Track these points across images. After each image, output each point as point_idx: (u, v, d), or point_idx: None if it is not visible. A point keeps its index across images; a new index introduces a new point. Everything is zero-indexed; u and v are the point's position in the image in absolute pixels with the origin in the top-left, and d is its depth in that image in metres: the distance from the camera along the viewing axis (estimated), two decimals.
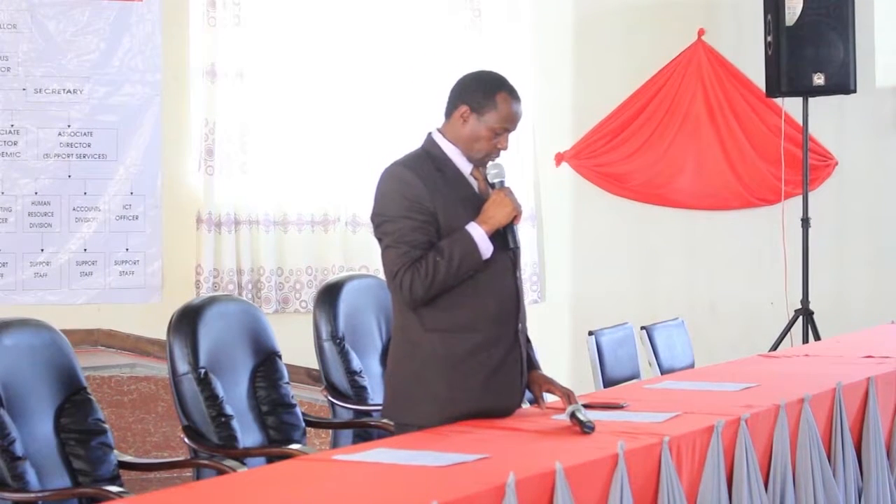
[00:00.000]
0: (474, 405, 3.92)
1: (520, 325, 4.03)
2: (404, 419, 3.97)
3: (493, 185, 4.00)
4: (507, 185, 4.00)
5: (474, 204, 3.96)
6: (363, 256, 8.10)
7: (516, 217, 3.97)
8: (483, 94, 3.98)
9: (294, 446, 4.57)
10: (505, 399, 3.98)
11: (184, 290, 7.70)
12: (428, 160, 3.98)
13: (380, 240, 3.97)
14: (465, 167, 4.02)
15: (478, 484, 3.02)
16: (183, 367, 4.54)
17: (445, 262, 3.85)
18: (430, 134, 4.05)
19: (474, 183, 4.02)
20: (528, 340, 4.15)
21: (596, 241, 8.60)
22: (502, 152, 4.02)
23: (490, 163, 4.01)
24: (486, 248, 3.91)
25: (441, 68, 8.03)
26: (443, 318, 3.93)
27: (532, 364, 4.14)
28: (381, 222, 3.95)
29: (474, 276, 3.91)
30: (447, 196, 3.92)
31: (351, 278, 5.42)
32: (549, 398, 4.06)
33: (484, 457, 3.34)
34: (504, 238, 3.96)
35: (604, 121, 8.55)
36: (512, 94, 4.00)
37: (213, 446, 4.49)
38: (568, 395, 3.87)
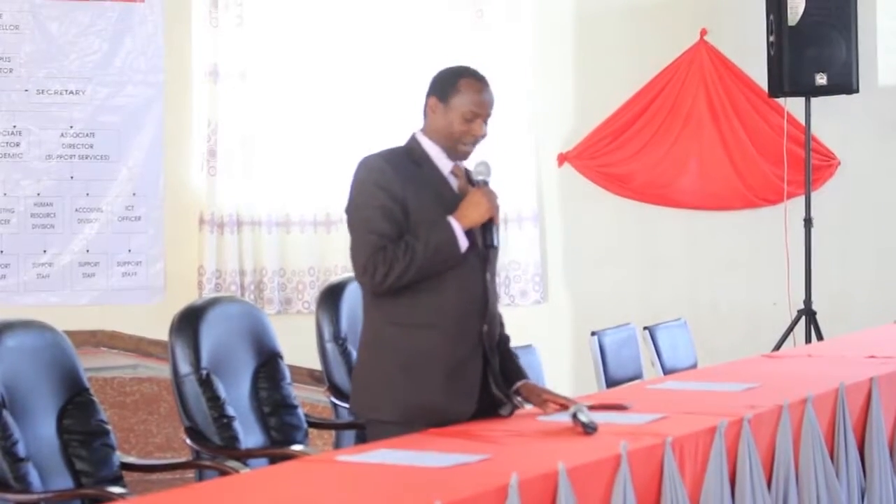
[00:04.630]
0: (432, 404, 3.86)
1: (485, 326, 3.97)
2: (368, 414, 3.97)
3: (474, 183, 3.97)
4: (489, 184, 3.95)
5: (449, 202, 3.91)
6: None
7: (494, 217, 3.94)
8: (447, 82, 3.99)
9: (296, 447, 4.57)
10: (463, 402, 3.91)
11: (186, 291, 7.69)
12: (406, 155, 3.97)
13: (351, 227, 3.94)
14: (445, 166, 4.00)
15: (480, 485, 3.02)
16: (185, 368, 4.54)
17: (422, 245, 3.81)
18: (413, 133, 4.05)
19: (454, 182, 3.99)
20: (509, 350, 4.08)
21: (598, 242, 8.59)
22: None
23: (477, 161, 3.98)
24: (464, 243, 3.87)
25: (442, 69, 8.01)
26: (404, 313, 3.90)
27: (519, 373, 4.05)
28: (354, 210, 3.93)
29: (440, 272, 3.87)
30: (420, 189, 3.89)
31: (353, 279, 5.41)
32: None
33: (486, 457, 3.34)
34: (478, 237, 3.93)
35: (606, 121, 8.54)
36: (476, 77, 4.00)
37: (215, 447, 4.49)
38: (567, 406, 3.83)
